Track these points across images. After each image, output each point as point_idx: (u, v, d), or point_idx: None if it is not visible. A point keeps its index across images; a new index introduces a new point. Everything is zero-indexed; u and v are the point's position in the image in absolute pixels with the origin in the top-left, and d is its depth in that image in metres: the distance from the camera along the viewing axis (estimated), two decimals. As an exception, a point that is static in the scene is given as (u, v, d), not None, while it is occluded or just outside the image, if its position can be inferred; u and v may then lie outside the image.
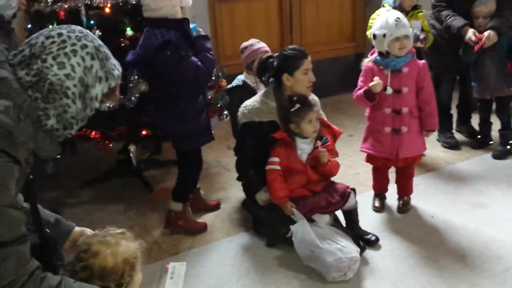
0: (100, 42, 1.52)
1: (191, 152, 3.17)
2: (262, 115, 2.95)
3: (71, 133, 1.47)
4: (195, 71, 2.89)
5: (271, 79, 3.01)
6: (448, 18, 3.96)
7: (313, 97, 3.06)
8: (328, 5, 5.61)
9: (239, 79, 3.59)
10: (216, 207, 3.51)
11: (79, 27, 1.50)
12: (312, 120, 2.81)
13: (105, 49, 1.51)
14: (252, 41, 3.63)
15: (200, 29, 3.11)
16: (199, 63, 2.90)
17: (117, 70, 1.54)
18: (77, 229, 1.79)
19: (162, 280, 1.65)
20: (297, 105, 2.81)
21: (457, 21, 3.89)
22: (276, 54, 3.01)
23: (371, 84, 2.93)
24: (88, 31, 1.53)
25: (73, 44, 1.42)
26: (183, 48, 2.88)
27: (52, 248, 1.55)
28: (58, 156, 2.98)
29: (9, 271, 1.27)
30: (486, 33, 3.74)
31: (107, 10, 3.44)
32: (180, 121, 2.99)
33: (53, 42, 1.40)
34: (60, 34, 1.43)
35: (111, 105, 3.18)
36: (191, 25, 3.02)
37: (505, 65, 3.88)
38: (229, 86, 3.62)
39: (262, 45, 3.57)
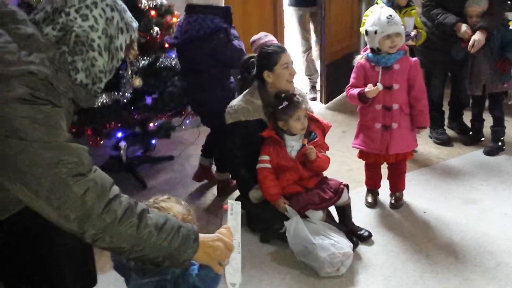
0: None
1: None
2: (248, 114, 2.96)
3: (100, 87, 1.52)
4: (240, 53, 3.28)
5: (254, 78, 3.03)
6: (439, 16, 3.98)
7: (299, 91, 3.08)
8: (343, 3, 5.62)
9: None
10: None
11: None
12: (300, 117, 2.82)
13: (121, 2, 1.54)
14: (261, 34, 3.65)
15: None
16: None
17: (135, 22, 1.58)
18: None
19: (224, 218, 1.70)
20: (285, 103, 2.82)
21: (449, 19, 3.91)
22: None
23: (366, 90, 2.95)
24: None
25: None
26: (231, 34, 3.27)
27: None
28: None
29: (97, 200, 1.33)
30: (474, 36, 3.78)
31: None
32: (224, 98, 3.24)
33: None
34: None
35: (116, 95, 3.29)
36: None
37: (496, 62, 3.90)
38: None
39: (270, 38, 3.59)
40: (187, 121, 4.06)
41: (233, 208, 1.71)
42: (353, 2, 5.91)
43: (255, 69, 3.02)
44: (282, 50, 2.95)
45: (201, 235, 1.52)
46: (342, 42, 5.81)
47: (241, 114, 2.97)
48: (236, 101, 3.04)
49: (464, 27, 3.83)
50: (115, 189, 1.41)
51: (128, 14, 1.55)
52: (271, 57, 2.92)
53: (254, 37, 3.64)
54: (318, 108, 5.36)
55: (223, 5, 3.36)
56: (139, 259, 1.46)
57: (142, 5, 3.47)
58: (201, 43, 3.22)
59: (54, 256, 1.61)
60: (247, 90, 3.07)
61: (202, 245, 1.50)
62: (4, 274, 1.55)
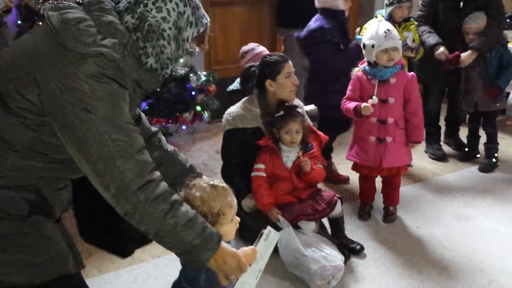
0: None
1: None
2: (246, 122, 2.95)
3: (167, 73, 1.68)
4: (332, 55, 3.52)
5: (254, 87, 3.02)
6: (424, 33, 3.99)
7: (298, 103, 3.08)
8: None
9: (238, 82, 3.59)
10: (346, 181, 3.84)
11: None
12: (291, 131, 2.80)
13: (196, 0, 1.70)
14: (252, 45, 3.64)
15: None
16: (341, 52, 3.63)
17: (206, 19, 1.74)
18: None
19: (256, 241, 1.76)
20: (281, 112, 2.83)
21: (431, 39, 3.93)
22: (258, 63, 3.05)
23: (362, 106, 2.95)
24: None
25: None
26: (331, 34, 3.56)
27: None
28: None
29: (136, 178, 1.48)
30: (463, 55, 3.82)
31: None
32: (323, 94, 3.61)
33: None
34: None
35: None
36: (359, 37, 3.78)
37: (490, 85, 3.90)
38: (230, 88, 3.61)
39: (262, 49, 3.58)
40: (184, 127, 4.04)
41: (269, 236, 1.75)
42: (351, 15, 5.96)
43: (255, 77, 3.00)
44: (285, 59, 2.95)
45: (222, 244, 1.62)
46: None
47: (239, 121, 2.96)
48: (234, 108, 3.03)
49: (440, 49, 3.87)
50: (156, 174, 1.54)
51: (201, 11, 1.70)
52: (274, 67, 2.91)
53: (246, 48, 3.63)
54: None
55: (340, 7, 3.67)
56: (161, 245, 1.57)
57: None
58: (305, 39, 3.69)
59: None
60: (246, 98, 3.06)
61: (218, 252, 1.59)
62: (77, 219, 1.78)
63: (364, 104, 2.97)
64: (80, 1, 3.13)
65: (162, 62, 1.63)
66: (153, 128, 1.99)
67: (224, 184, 1.80)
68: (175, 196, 1.57)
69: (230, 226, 1.75)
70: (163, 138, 2.00)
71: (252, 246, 1.71)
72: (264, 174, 2.87)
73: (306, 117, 3.05)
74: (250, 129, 2.95)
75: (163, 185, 1.55)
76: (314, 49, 3.65)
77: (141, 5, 1.59)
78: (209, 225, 1.61)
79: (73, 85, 1.43)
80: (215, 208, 1.69)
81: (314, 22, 3.67)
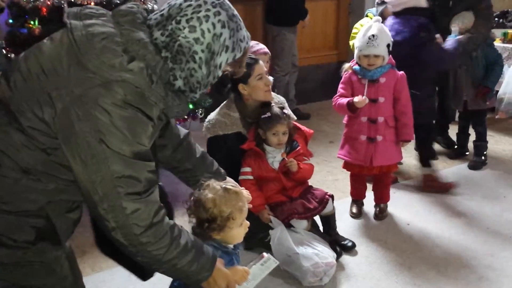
0: (235, 12, 1.52)
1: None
2: (226, 128, 2.92)
3: (195, 97, 1.55)
4: (440, 54, 3.38)
5: (230, 91, 3.01)
6: None
7: (278, 99, 3.07)
8: (312, 13, 5.62)
9: None
10: (450, 187, 3.73)
11: None
12: (278, 133, 2.79)
13: (238, 20, 1.52)
14: (252, 43, 3.62)
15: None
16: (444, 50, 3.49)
17: (245, 42, 1.55)
18: None
19: (252, 263, 1.79)
20: (268, 114, 2.81)
21: None
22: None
23: (355, 100, 2.96)
24: None
25: (207, 10, 1.44)
26: (433, 32, 3.39)
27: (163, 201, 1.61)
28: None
29: (140, 221, 1.41)
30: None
31: None
32: (419, 98, 3.33)
33: (189, 5, 1.44)
34: None
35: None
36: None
37: (478, 84, 3.94)
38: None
39: (261, 46, 3.56)
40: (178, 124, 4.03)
41: (267, 263, 1.80)
42: (340, 15, 6.03)
43: (230, 82, 2.97)
44: (255, 61, 2.89)
45: (217, 263, 1.62)
46: (314, 51, 6.12)
47: (219, 128, 2.92)
48: (213, 115, 2.99)
49: None
50: (160, 214, 1.47)
51: (241, 33, 1.53)
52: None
53: None
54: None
55: (423, 4, 3.49)
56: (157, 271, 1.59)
57: None
58: (403, 43, 3.32)
59: None
60: (223, 103, 3.02)
61: (212, 274, 1.60)
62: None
63: (357, 98, 2.97)
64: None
65: (191, 85, 1.49)
66: (183, 131, 1.90)
67: (238, 188, 1.80)
68: (176, 231, 1.51)
69: (239, 230, 1.77)
70: (192, 142, 1.94)
71: (245, 267, 1.74)
72: (251, 177, 2.86)
73: (292, 115, 3.05)
74: (231, 135, 2.91)
75: (166, 223, 1.48)
76: (422, 50, 3.35)
77: (173, 22, 1.43)
78: (206, 248, 1.61)
79: (92, 112, 1.31)
80: (226, 212, 1.71)
81: (415, 22, 3.38)
